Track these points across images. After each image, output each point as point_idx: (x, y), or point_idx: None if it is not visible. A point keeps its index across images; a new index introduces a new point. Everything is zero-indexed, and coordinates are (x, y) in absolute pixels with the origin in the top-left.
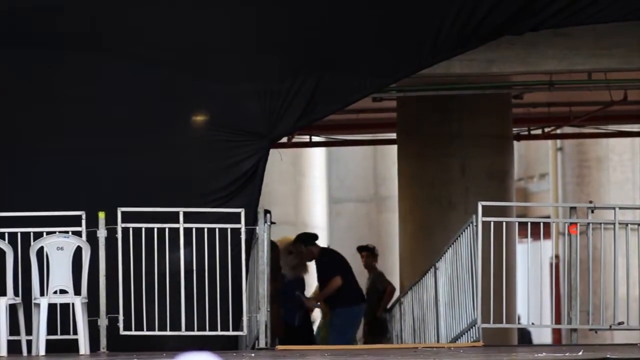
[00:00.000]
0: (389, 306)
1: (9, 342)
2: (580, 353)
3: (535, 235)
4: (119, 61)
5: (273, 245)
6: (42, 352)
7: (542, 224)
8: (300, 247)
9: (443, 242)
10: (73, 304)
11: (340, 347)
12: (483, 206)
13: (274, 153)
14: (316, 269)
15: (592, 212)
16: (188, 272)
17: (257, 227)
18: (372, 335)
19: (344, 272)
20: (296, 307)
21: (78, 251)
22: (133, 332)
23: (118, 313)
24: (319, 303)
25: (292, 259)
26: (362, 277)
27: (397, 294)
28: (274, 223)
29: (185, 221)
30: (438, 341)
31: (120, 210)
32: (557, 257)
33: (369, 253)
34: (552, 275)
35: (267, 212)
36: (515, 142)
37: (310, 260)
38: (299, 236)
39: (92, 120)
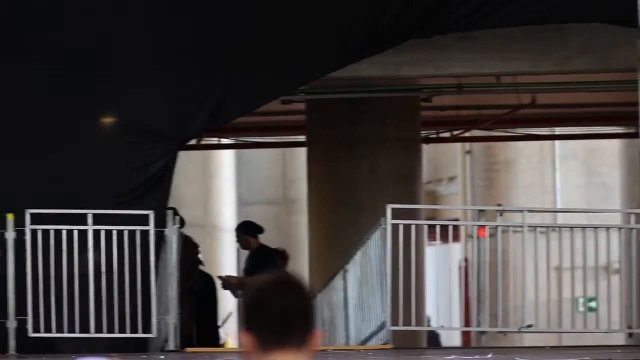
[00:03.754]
0: None
1: None
2: (490, 356)
3: (445, 239)
4: (27, 63)
5: (189, 241)
6: None
7: (451, 227)
8: (238, 233)
9: (352, 245)
10: None
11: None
12: (392, 209)
13: (183, 155)
14: (248, 260)
15: (501, 215)
16: (97, 274)
17: (166, 230)
18: None
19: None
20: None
21: None
22: (42, 335)
23: (27, 315)
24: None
25: None
26: None
27: None
28: (184, 224)
29: (94, 223)
30: (348, 344)
31: (28, 212)
32: (466, 260)
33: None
34: (461, 278)
35: (175, 213)
36: (424, 145)
37: (245, 249)
38: (240, 223)
39: (1, 122)
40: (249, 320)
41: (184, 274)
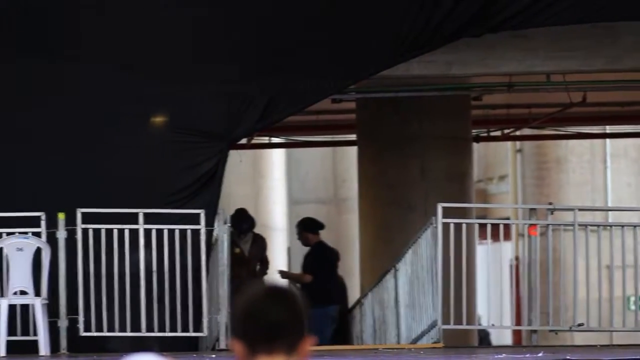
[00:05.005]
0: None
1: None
2: (540, 354)
3: (495, 237)
4: (80, 64)
5: (259, 236)
6: (3, 353)
7: (501, 225)
8: (299, 230)
9: (403, 244)
10: (33, 305)
11: None
12: (443, 207)
13: (233, 154)
14: (305, 257)
15: (552, 213)
16: (148, 273)
17: (216, 228)
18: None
19: (320, 272)
20: None
21: (38, 252)
22: (93, 333)
23: (78, 314)
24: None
25: None
26: None
27: (357, 295)
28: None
29: (145, 222)
30: (399, 342)
31: (79, 211)
32: (517, 258)
33: None
34: (512, 276)
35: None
36: (474, 144)
37: (305, 245)
38: (300, 220)
39: (52, 121)
40: (238, 329)
41: (253, 270)
